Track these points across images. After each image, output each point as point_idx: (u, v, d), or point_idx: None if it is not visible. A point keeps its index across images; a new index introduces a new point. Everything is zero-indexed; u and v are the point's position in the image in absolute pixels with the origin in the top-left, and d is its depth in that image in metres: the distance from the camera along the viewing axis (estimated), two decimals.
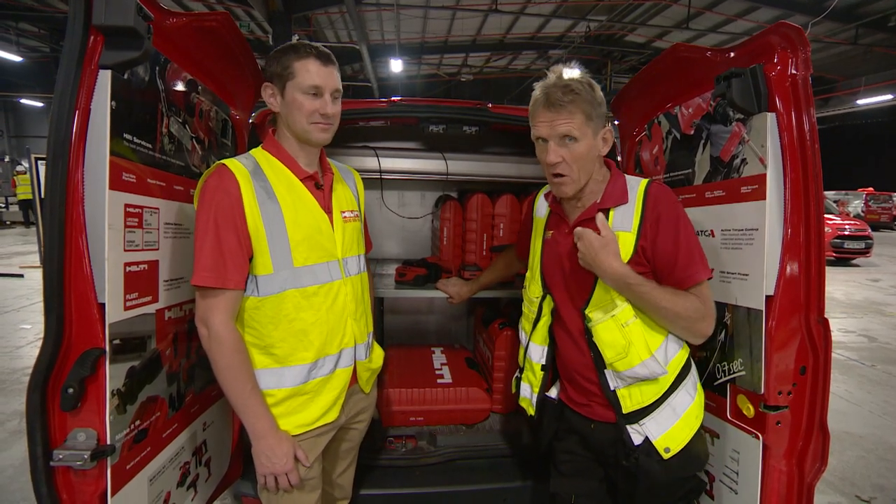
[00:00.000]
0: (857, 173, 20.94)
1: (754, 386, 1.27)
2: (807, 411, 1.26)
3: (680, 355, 1.32)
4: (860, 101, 13.61)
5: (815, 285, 1.22)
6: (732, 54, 1.32)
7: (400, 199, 2.93)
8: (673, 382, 1.29)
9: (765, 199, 1.22)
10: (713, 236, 1.41)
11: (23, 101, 18.42)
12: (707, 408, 1.45)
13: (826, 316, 1.22)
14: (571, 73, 1.24)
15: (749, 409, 1.30)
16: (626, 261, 1.23)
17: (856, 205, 17.25)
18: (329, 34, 14.33)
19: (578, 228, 1.25)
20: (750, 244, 1.27)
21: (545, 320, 1.44)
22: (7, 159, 15.59)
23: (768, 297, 1.23)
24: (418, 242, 3.01)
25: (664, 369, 1.26)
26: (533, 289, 1.48)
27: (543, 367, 1.46)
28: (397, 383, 2.20)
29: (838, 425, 3.38)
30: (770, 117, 1.21)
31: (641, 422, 1.28)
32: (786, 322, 1.22)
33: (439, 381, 2.24)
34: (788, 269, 1.21)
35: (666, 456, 1.25)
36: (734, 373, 1.35)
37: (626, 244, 1.25)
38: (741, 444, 1.32)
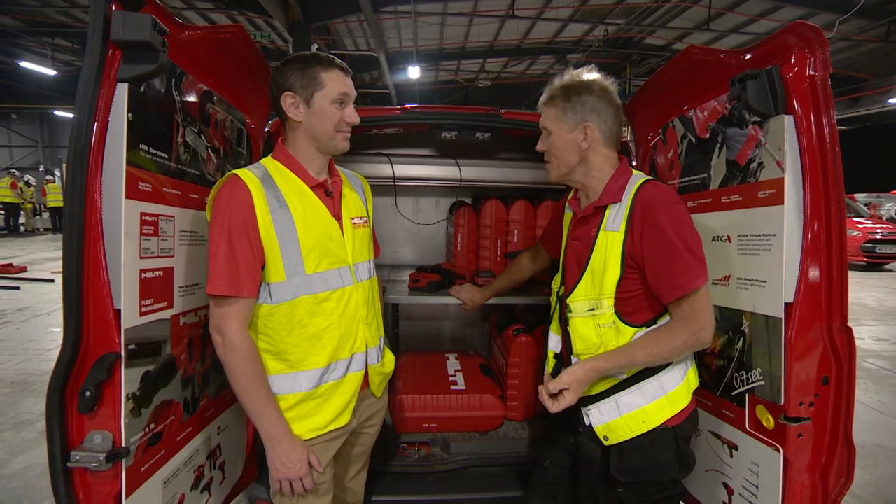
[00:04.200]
0: (889, 175, 20.12)
1: (774, 396, 1.23)
2: (830, 423, 1.21)
3: None
4: (892, 100, 13.12)
5: (838, 292, 1.17)
6: (748, 56, 1.29)
7: (415, 205, 2.95)
8: (624, 381, 1.31)
9: (783, 203, 1.19)
10: (730, 242, 1.38)
11: (56, 112, 19.22)
12: (725, 418, 1.42)
13: (857, 323, 1.18)
14: (565, 78, 1.38)
15: (769, 421, 1.25)
16: (617, 265, 1.27)
17: (888, 207, 16.54)
18: (348, 42, 14.55)
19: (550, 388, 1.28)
20: (768, 250, 1.24)
21: (559, 311, 1.51)
22: (41, 168, 16.34)
23: (787, 305, 1.19)
24: (434, 248, 3.02)
25: (625, 373, 1.30)
26: (556, 279, 1.56)
27: (556, 356, 1.54)
28: (411, 389, 2.20)
29: (870, 438, 3.24)
30: (787, 120, 1.18)
31: (588, 407, 1.36)
32: (806, 330, 1.18)
33: (453, 387, 2.23)
34: (808, 275, 1.18)
35: (606, 443, 1.33)
36: (753, 382, 1.31)
37: (615, 245, 1.28)
38: (761, 457, 1.28)
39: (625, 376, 1.30)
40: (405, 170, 2.37)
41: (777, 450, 1.22)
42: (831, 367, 1.19)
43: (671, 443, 1.31)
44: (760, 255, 1.27)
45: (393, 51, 14.34)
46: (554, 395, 1.27)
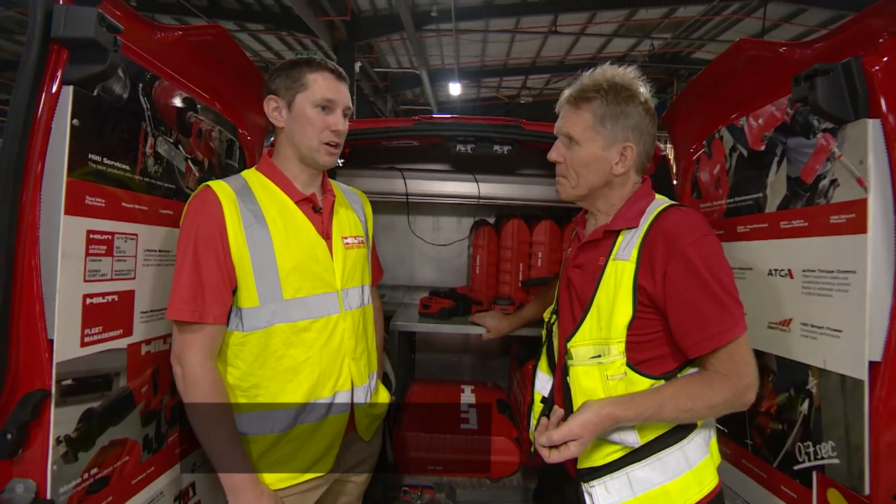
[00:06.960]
0: None
1: (854, 482, 0.94)
2: None
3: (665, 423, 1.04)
4: None
5: None
6: (817, 47, 1.05)
7: (434, 224, 2.78)
8: (637, 451, 1.02)
9: (866, 231, 0.93)
10: (791, 277, 1.12)
11: None
12: (783, 496, 1.14)
13: None
14: (606, 72, 1.10)
15: None
16: (628, 302, 1.02)
17: None
18: (391, 60, 14.80)
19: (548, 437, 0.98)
20: (844, 291, 0.97)
21: (548, 347, 1.27)
22: None
23: (873, 364, 0.92)
24: (455, 270, 2.82)
25: (638, 440, 1.02)
26: (549, 310, 1.33)
27: (543, 400, 1.25)
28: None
29: None
30: (872, 125, 0.93)
31: (592, 483, 1.05)
32: None
33: (463, 426, 2.01)
34: None
35: None
36: (822, 458, 1.03)
37: (626, 278, 1.03)
38: None
39: (637, 443, 1.02)
40: (419, 185, 2.22)
41: None
42: None
43: None
44: (834, 297, 1.00)
45: (435, 68, 14.47)
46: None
